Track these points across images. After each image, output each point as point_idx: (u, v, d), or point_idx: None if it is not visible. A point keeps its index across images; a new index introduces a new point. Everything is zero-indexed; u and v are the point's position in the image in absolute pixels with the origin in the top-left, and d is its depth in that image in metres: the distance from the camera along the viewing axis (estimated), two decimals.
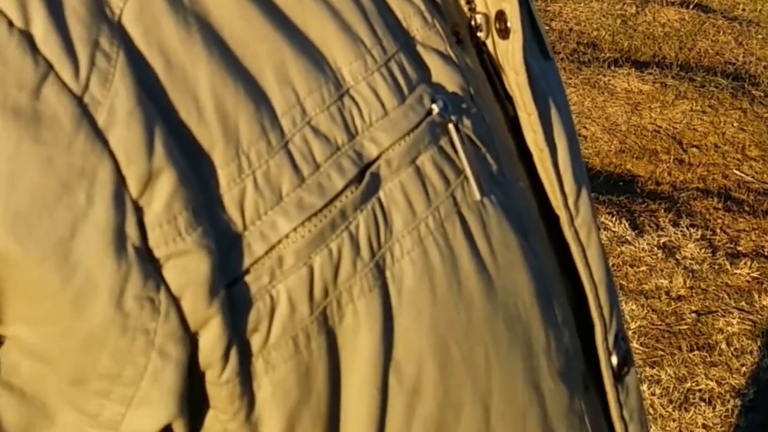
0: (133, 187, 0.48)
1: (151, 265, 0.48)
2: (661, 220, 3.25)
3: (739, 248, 3.14)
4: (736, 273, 3.01)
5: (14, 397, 0.49)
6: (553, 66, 0.70)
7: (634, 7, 4.75)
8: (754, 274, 3.01)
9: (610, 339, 0.70)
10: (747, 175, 3.52)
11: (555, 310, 0.65)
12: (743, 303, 2.90)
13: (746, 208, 3.33)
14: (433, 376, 0.57)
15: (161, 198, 0.48)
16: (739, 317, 2.86)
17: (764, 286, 2.96)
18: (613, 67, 4.16)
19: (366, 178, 0.54)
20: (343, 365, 0.54)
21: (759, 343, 2.74)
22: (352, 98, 0.54)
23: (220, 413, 0.52)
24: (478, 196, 0.58)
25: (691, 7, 4.73)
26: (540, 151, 0.64)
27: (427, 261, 0.56)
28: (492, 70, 0.64)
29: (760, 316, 2.86)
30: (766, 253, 3.10)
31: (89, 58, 0.47)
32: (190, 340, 0.50)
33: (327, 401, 0.54)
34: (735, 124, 3.79)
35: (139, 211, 0.48)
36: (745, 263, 3.05)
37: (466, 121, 0.59)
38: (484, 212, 0.59)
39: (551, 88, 0.67)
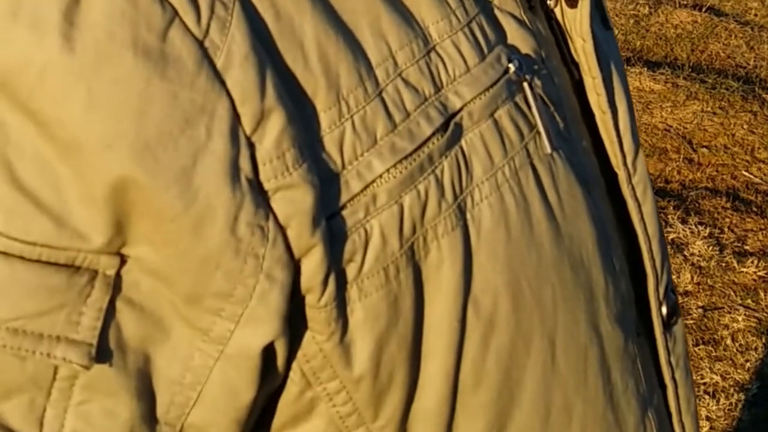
0: (246, 124, 0.51)
1: (261, 196, 0.52)
2: (669, 217, 3.29)
3: (746, 247, 3.18)
4: (742, 271, 3.06)
5: (134, 312, 0.52)
6: (613, 36, 0.76)
7: (647, 8, 4.79)
8: (761, 273, 3.06)
9: (661, 290, 0.75)
10: (755, 176, 3.57)
11: (613, 259, 0.69)
12: (749, 300, 2.95)
13: (754, 209, 3.37)
14: (506, 311, 0.61)
15: (272, 135, 0.52)
16: (745, 314, 2.91)
17: None
18: (625, 66, 4.20)
19: (450, 127, 0.58)
20: (427, 297, 0.58)
21: (764, 340, 2.79)
22: (438, 54, 0.59)
23: (317, 334, 0.56)
24: (548, 149, 0.62)
25: (703, 9, 4.78)
26: (603, 113, 0.70)
27: (503, 206, 0.60)
28: (560, 36, 0.69)
29: (765, 314, 2.91)
30: None
31: (209, 7, 0.51)
32: (294, 266, 0.53)
33: (412, 329, 0.58)
34: (745, 126, 3.83)
35: (251, 147, 0.52)
36: (752, 262, 3.10)
37: (538, 81, 0.63)
38: (553, 164, 0.63)
39: (612, 55, 0.72)
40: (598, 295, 0.67)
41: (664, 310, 0.75)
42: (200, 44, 0.51)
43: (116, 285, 0.52)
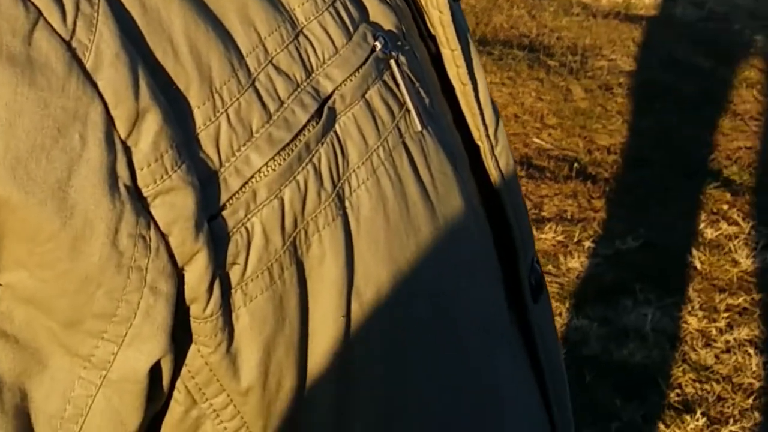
0: (121, 127, 0.49)
1: (140, 204, 0.49)
2: None
3: (543, 213, 3.25)
4: (541, 238, 3.12)
5: (8, 345, 0.49)
6: (460, 7, 0.75)
7: None
8: (559, 238, 3.13)
9: (527, 262, 0.75)
10: (546, 142, 3.65)
11: (484, 233, 0.70)
12: (550, 266, 3.01)
13: (548, 174, 3.45)
14: (389, 300, 0.59)
15: (148, 137, 0.49)
16: (548, 280, 2.97)
17: (569, 249, 3.08)
18: None
19: (324, 113, 0.56)
20: (311, 293, 0.56)
21: (567, 305, 2.85)
22: (306, 37, 0.57)
23: (202, 347, 0.53)
24: (419, 126, 0.61)
25: None
26: (463, 85, 0.69)
27: (380, 190, 0.59)
28: (415, 9, 0.69)
29: (566, 278, 2.97)
30: (569, 217, 3.22)
31: (74, 4, 0.48)
32: (177, 276, 0.51)
33: (298, 329, 0.56)
34: (533, 94, 3.92)
35: (128, 151, 0.49)
36: (550, 228, 3.16)
37: (402, 58, 0.62)
38: (424, 143, 0.62)
39: (462, 27, 0.71)
40: (475, 269, 0.68)
41: (533, 281, 0.76)
42: (68, 45, 0.48)
43: None
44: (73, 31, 0.48)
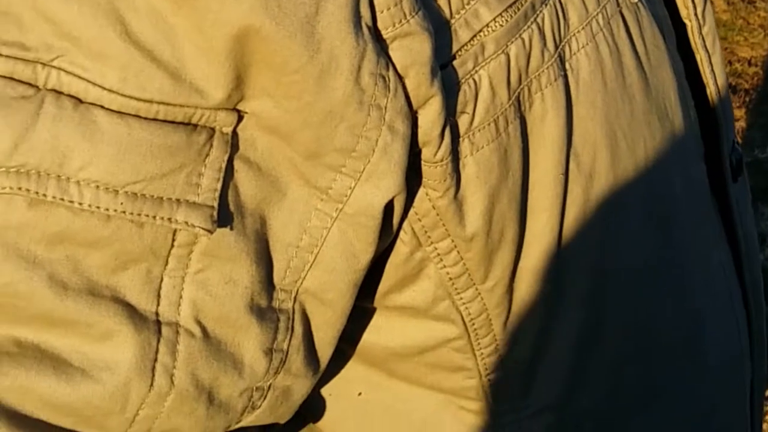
0: None
1: (380, 45, 0.50)
2: None
3: None
4: None
5: (251, 172, 0.49)
6: None
7: None
8: None
9: (729, 142, 0.75)
10: None
11: (690, 110, 0.69)
12: None
13: None
14: (604, 163, 0.60)
15: None
16: None
17: None
18: None
19: None
20: (533, 149, 0.57)
21: None
22: None
23: (431, 190, 0.54)
24: None
25: None
26: None
27: (598, 55, 0.59)
28: None
29: None
30: None
31: None
32: (412, 118, 0.51)
33: (520, 182, 0.57)
34: None
35: None
36: None
37: None
38: (639, 14, 0.63)
39: None
40: (682, 147, 0.67)
41: (734, 160, 0.75)
42: None
43: (233, 143, 0.49)
44: None
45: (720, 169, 0.74)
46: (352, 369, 0.63)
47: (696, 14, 0.71)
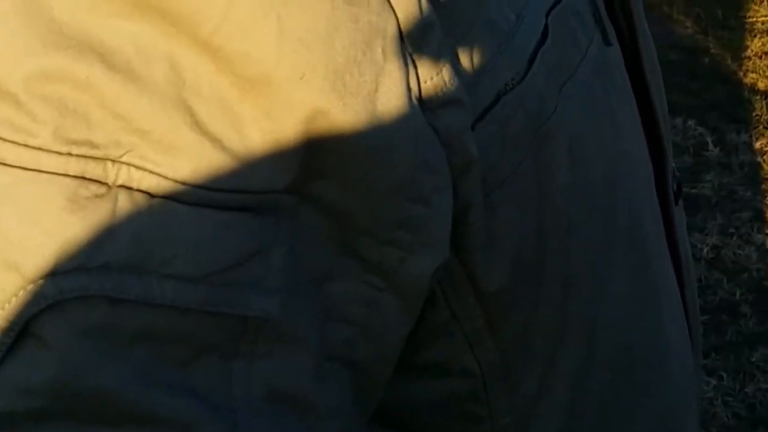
0: (409, 42, 0.50)
1: (427, 116, 0.51)
2: None
3: None
4: None
5: (310, 250, 0.50)
6: None
7: None
8: None
9: (671, 168, 0.80)
10: None
11: (643, 137, 0.73)
12: None
13: None
14: (603, 204, 0.65)
15: (430, 52, 0.51)
16: None
17: None
18: None
19: (550, 26, 0.60)
20: (544, 200, 0.60)
21: None
22: None
23: (462, 250, 0.55)
24: (610, 42, 0.67)
25: None
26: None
27: (591, 94, 0.63)
28: None
29: None
30: None
31: None
32: (454, 184, 0.53)
33: (536, 233, 0.60)
34: None
35: (414, 65, 0.50)
36: None
37: None
38: (611, 54, 0.68)
39: None
40: (647, 176, 0.73)
41: (673, 186, 0.80)
42: None
43: (295, 226, 0.49)
44: None
45: (665, 192, 0.79)
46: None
47: (639, 43, 0.74)
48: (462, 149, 0.52)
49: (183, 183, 0.46)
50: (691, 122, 3.14)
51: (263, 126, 0.47)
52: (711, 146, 3.06)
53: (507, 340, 0.61)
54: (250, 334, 0.49)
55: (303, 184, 0.49)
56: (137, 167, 0.46)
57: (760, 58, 3.47)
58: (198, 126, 0.46)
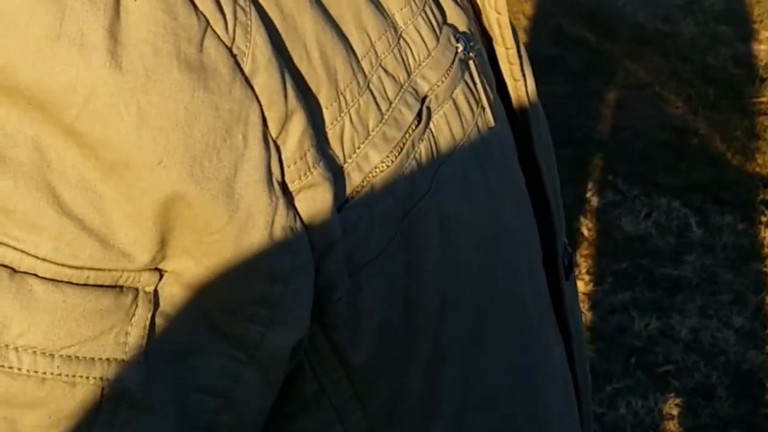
0: (273, 128, 0.52)
1: (288, 198, 0.53)
2: None
3: None
4: None
5: (170, 326, 0.52)
6: None
7: None
8: None
9: (561, 244, 0.81)
10: None
11: (532, 215, 0.75)
12: None
13: None
14: (476, 285, 0.66)
15: (294, 137, 0.53)
16: None
17: None
18: None
19: (423, 112, 0.61)
20: (414, 277, 0.61)
21: None
22: (405, 40, 0.61)
23: (328, 327, 0.58)
24: (492, 122, 0.67)
25: None
26: (515, 80, 0.74)
27: (467, 178, 0.64)
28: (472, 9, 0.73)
29: None
30: None
31: (233, 12, 0.51)
32: (317, 264, 0.55)
33: (403, 309, 0.61)
34: None
35: (278, 150, 0.53)
36: None
37: (476, 58, 0.67)
38: (494, 135, 0.68)
39: (513, 27, 0.76)
40: (531, 256, 0.74)
41: (564, 261, 0.82)
42: (230, 51, 0.51)
43: (155, 301, 0.52)
44: (234, 38, 0.51)
45: (554, 268, 0.80)
46: None
47: (534, 129, 0.76)
48: (325, 230, 0.55)
49: (44, 260, 0.49)
50: (675, 203, 3.16)
51: (123, 207, 0.49)
52: (695, 227, 3.07)
53: (376, 411, 0.63)
54: (109, 404, 0.51)
55: (164, 262, 0.52)
56: (1, 243, 0.48)
57: (749, 139, 3.50)
58: (60, 206, 0.48)
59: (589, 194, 3.21)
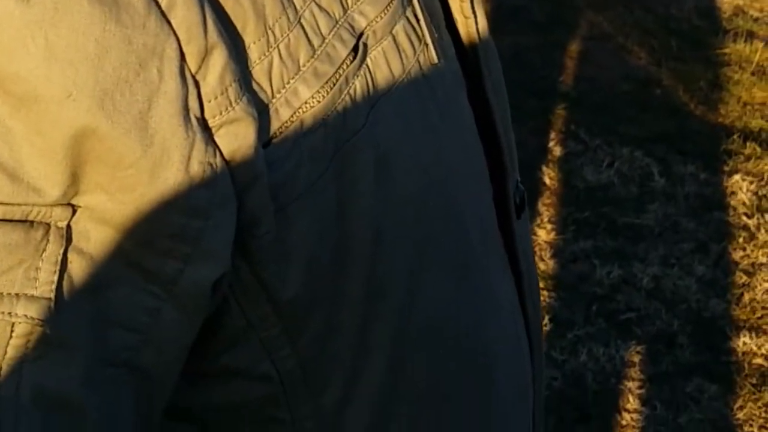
0: (192, 62, 0.52)
1: (207, 134, 0.53)
2: None
3: None
4: None
5: (85, 261, 0.52)
6: None
7: None
8: None
9: (514, 181, 0.81)
10: None
11: (481, 155, 0.75)
12: None
13: None
14: (412, 222, 0.65)
15: (215, 72, 0.53)
16: None
17: None
18: None
19: (359, 48, 0.60)
20: (347, 213, 0.61)
21: None
22: None
23: (255, 263, 0.57)
24: (436, 59, 0.66)
25: None
26: (466, 17, 0.74)
27: (405, 113, 0.64)
28: None
29: None
30: None
31: None
32: (238, 200, 0.55)
33: (336, 245, 0.61)
34: None
35: (197, 85, 0.52)
36: None
37: None
38: (438, 73, 0.67)
39: None
40: (479, 185, 0.74)
41: (517, 199, 0.82)
42: None
43: (68, 236, 0.51)
44: None
45: (505, 206, 0.80)
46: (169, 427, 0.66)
47: (487, 65, 0.76)
48: (248, 165, 0.54)
49: None
50: (638, 153, 3.17)
51: (33, 141, 0.49)
52: (657, 177, 3.08)
53: (307, 346, 0.63)
54: (19, 339, 0.51)
55: (76, 197, 0.51)
56: None
57: (712, 90, 3.51)
58: None
59: (551, 144, 3.22)
